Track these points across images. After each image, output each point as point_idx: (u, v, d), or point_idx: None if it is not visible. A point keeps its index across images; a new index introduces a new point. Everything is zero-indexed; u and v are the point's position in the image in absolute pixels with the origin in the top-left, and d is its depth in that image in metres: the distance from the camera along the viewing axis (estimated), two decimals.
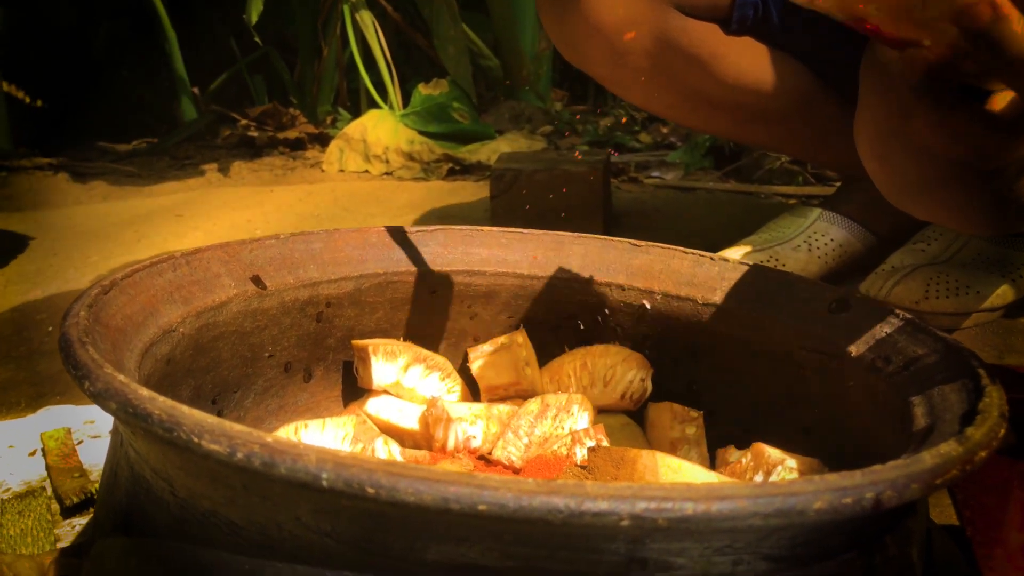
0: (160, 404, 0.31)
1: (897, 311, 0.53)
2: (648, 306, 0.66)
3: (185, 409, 0.30)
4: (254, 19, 1.59)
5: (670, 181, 1.80)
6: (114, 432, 0.42)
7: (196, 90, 2.19)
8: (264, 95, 2.43)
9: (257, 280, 0.58)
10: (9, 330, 1.06)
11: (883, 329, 0.53)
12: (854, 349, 0.53)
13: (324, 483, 0.27)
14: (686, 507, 0.27)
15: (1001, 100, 0.46)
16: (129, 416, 0.31)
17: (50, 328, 1.05)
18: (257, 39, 1.73)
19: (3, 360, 0.97)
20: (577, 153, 1.33)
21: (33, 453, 0.75)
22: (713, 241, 1.11)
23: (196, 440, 0.29)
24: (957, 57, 0.41)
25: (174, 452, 0.32)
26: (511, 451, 0.58)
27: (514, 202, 1.29)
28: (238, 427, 0.29)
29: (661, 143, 2.15)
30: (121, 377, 0.33)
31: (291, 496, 0.30)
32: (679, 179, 1.83)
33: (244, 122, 2.23)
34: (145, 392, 0.32)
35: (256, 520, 0.31)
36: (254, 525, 0.31)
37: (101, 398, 0.32)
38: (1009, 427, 0.39)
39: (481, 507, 0.27)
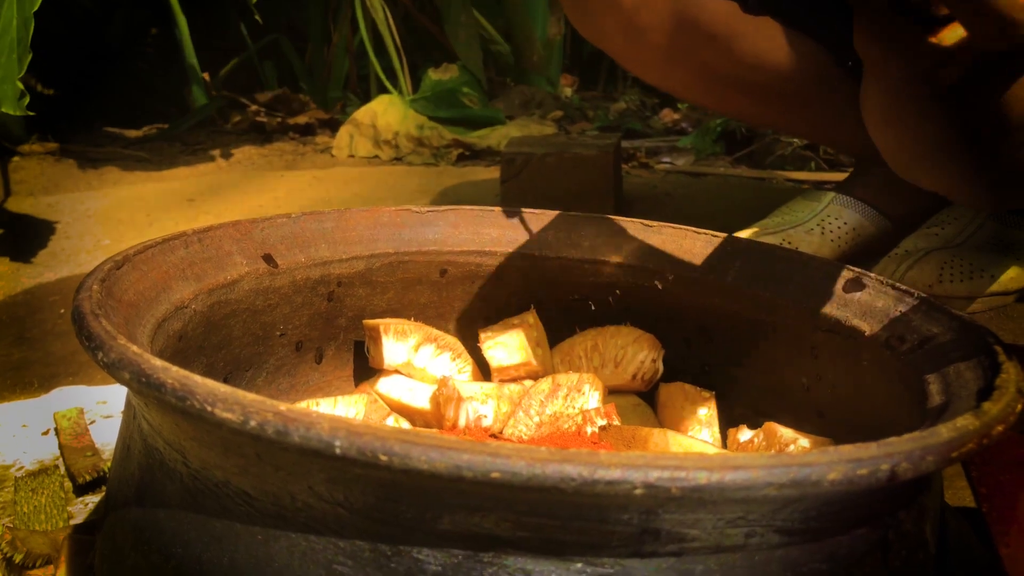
0: (173, 373, 0.31)
1: (911, 290, 0.53)
2: (660, 286, 0.66)
3: (198, 378, 0.30)
4: None
5: (681, 167, 1.80)
6: (127, 406, 0.42)
7: (207, 76, 2.19)
8: (274, 81, 2.43)
9: (269, 258, 0.58)
10: (23, 312, 1.06)
11: (897, 308, 0.52)
12: (868, 328, 0.53)
13: (337, 451, 0.27)
14: (699, 476, 0.27)
15: (951, 35, 0.45)
16: (142, 386, 0.31)
17: (62, 310, 1.06)
18: (258, 18, 1.72)
19: (17, 341, 0.97)
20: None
21: (46, 432, 0.75)
22: (725, 226, 1.10)
23: (209, 408, 0.29)
24: None
25: (187, 421, 0.32)
26: (522, 429, 0.58)
27: (525, 186, 1.28)
28: (251, 396, 0.29)
29: (672, 128, 2.14)
30: (134, 347, 0.33)
31: (304, 465, 0.30)
32: (690, 164, 1.82)
33: (254, 108, 2.23)
34: (158, 362, 0.32)
35: (269, 490, 0.31)
36: (267, 495, 0.31)
37: (114, 368, 0.32)
38: None
39: (494, 474, 0.27)
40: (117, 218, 1.39)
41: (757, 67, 0.89)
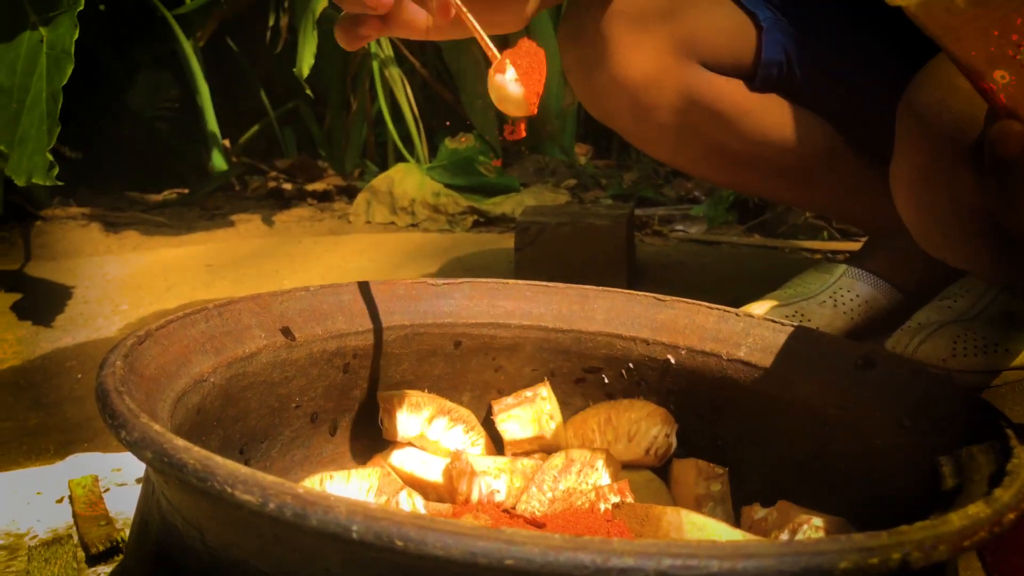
0: (195, 454, 0.31)
1: (923, 368, 0.53)
2: (673, 361, 0.66)
3: (219, 459, 0.31)
4: (305, 72, 1.63)
5: (694, 235, 1.81)
6: (145, 481, 0.43)
7: (227, 142, 2.23)
8: (293, 147, 2.47)
9: (287, 331, 0.59)
10: (39, 377, 1.08)
11: (909, 386, 0.53)
12: (880, 406, 0.53)
13: (354, 535, 0.28)
14: (712, 564, 0.27)
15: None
16: (164, 465, 0.32)
17: (79, 375, 1.07)
18: (308, 91, 1.76)
19: (33, 406, 0.98)
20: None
21: (60, 500, 0.75)
22: (737, 295, 1.11)
23: (230, 490, 0.29)
24: None
25: (207, 502, 0.32)
26: (535, 505, 0.58)
27: (538, 255, 1.30)
28: (271, 478, 0.30)
29: (685, 196, 2.16)
30: (156, 427, 0.34)
31: (321, 547, 0.30)
32: (703, 233, 1.83)
33: (273, 174, 2.27)
34: (180, 442, 0.32)
35: (286, 571, 0.31)
36: None
37: (137, 447, 0.33)
38: None
39: (508, 561, 0.27)
40: (136, 283, 1.41)
41: (764, 144, 0.90)
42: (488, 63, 0.55)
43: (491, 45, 0.54)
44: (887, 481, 0.52)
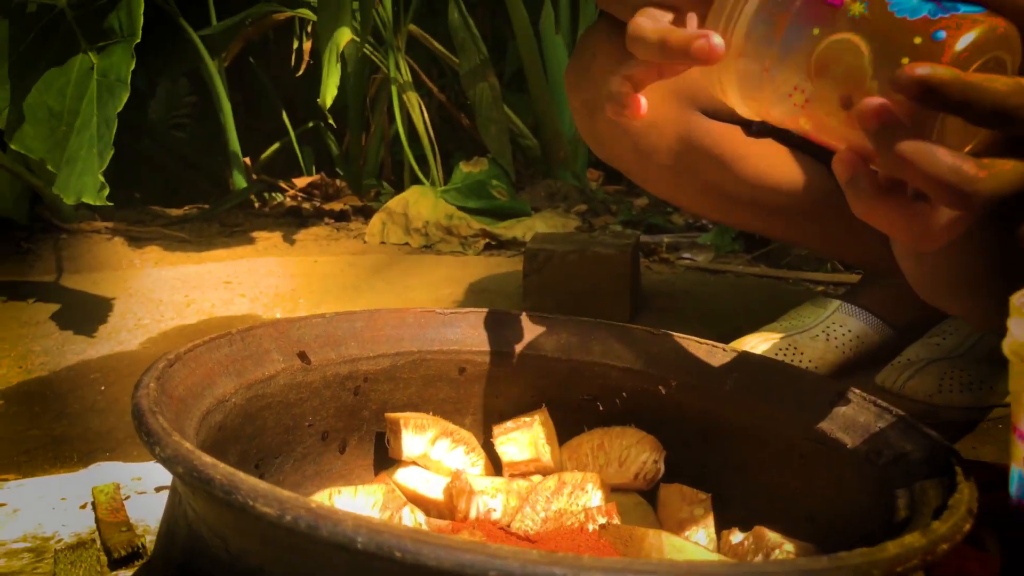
0: (221, 470, 0.36)
1: (891, 408, 0.57)
2: (663, 391, 0.71)
3: (242, 475, 0.35)
4: (329, 102, 1.69)
5: (700, 263, 1.85)
6: (172, 492, 0.47)
7: (247, 160, 2.29)
8: (312, 166, 2.53)
9: (303, 356, 0.64)
10: (65, 388, 1.13)
11: (877, 424, 0.57)
12: (850, 441, 0.57)
13: (359, 546, 0.32)
14: None
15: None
16: (193, 480, 0.36)
17: (103, 387, 1.12)
18: (330, 120, 1.82)
19: (58, 417, 1.03)
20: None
21: (84, 506, 0.80)
22: (737, 325, 1.15)
23: (251, 503, 0.34)
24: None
25: (231, 513, 0.37)
26: (528, 524, 0.62)
27: (546, 280, 1.34)
28: (287, 493, 0.34)
29: (693, 224, 2.20)
30: (187, 445, 0.38)
31: (330, 556, 0.34)
32: (709, 261, 1.87)
33: (292, 192, 2.33)
34: (208, 459, 0.37)
35: None
36: None
37: (170, 463, 0.37)
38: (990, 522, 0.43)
39: (492, 573, 0.31)
40: (157, 298, 1.47)
41: (761, 187, 0.95)
42: None
43: None
44: (854, 511, 0.56)
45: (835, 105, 0.47)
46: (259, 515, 0.34)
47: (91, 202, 1.05)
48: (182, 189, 2.48)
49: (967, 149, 0.47)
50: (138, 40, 1.03)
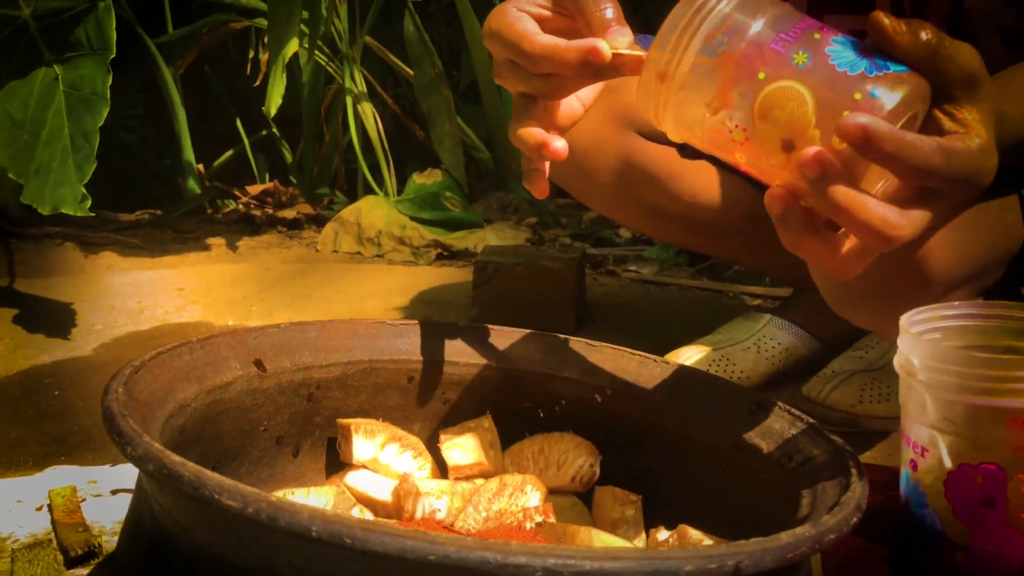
0: (189, 468, 0.40)
1: (802, 416, 0.63)
2: (599, 400, 0.76)
3: (208, 472, 0.39)
4: (273, 111, 1.72)
5: (645, 275, 1.91)
6: (137, 489, 0.51)
7: (201, 167, 2.30)
8: (265, 173, 2.55)
9: (259, 363, 0.67)
10: (17, 392, 1.14)
11: (790, 431, 0.62)
12: (766, 447, 0.63)
13: (313, 534, 0.36)
14: (584, 564, 0.36)
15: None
16: (164, 476, 0.40)
17: (56, 392, 1.14)
18: (275, 130, 1.85)
19: (12, 421, 1.05)
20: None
21: (40, 508, 0.82)
22: (676, 337, 1.21)
23: (217, 497, 0.38)
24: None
25: (197, 506, 0.41)
26: (470, 523, 0.67)
27: (494, 292, 1.39)
28: (250, 488, 0.38)
29: (639, 238, 2.26)
30: (157, 445, 0.42)
31: (287, 543, 0.38)
32: (654, 274, 1.93)
33: (244, 199, 2.34)
34: (176, 458, 0.41)
35: (258, 564, 0.40)
36: (256, 569, 0.40)
37: (141, 461, 0.41)
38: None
39: (431, 557, 0.36)
40: (110, 304, 1.48)
41: (694, 205, 1.02)
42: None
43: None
44: (768, 510, 0.61)
45: (775, 147, 0.51)
46: (224, 508, 0.38)
47: (71, 212, 1.08)
48: (133, 193, 2.48)
49: (876, 189, 0.52)
50: (113, 55, 1.06)
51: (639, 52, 0.57)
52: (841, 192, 0.48)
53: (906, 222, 0.49)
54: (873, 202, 0.48)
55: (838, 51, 0.50)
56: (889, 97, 0.49)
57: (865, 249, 0.51)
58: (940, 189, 0.49)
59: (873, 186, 0.52)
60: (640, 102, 0.56)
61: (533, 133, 0.60)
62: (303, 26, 1.85)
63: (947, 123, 0.51)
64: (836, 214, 0.49)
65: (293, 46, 1.72)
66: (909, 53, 0.49)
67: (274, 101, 1.70)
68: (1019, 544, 0.52)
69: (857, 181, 0.49)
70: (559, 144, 0.59)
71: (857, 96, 0.49)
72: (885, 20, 0.49)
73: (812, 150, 0.48)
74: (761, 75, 0.50)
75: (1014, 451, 0.52)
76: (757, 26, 0.51)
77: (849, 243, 0.52)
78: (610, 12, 0.58)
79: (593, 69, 0.57)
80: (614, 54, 0.57)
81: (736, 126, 0.52)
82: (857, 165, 0.49)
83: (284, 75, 1.69)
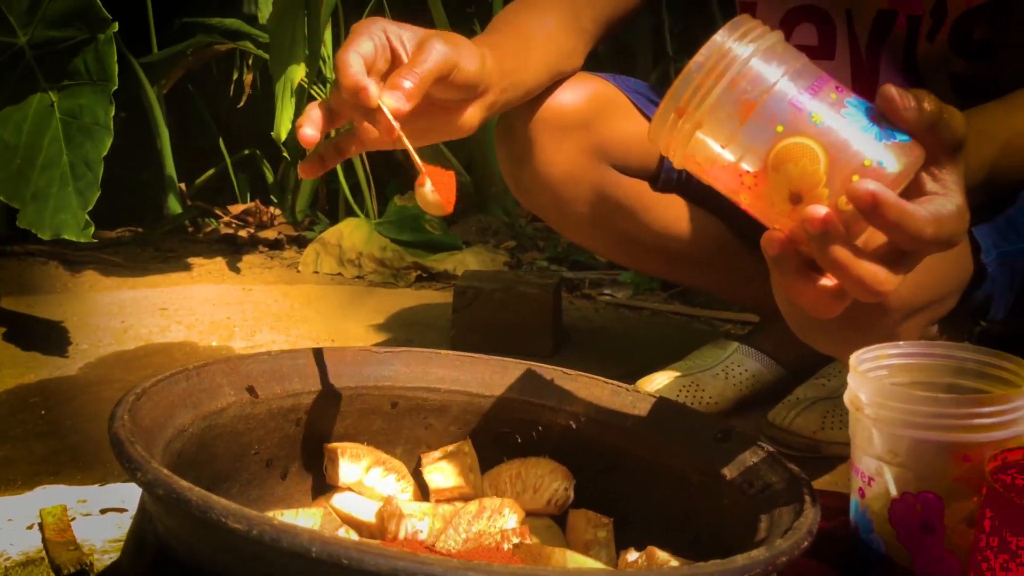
0: (196, 492, 0.43)
1: (763, 444, 0.67)
2: (574, 426, 0.80)
3: (215, 497, 0.43)
4: (283, 136, 1.75)
5: (620, 299, 1.96)
6: (140, 510, 0.54)
7: (183, 186, 2.33)
8: (248, 193, 2.57)
9: (251, 390, 0.71)
10: (4, 411, 1.16)
11: (751, 458, 0.67)
12: (729, 473, 0.67)
13: (313, 554, 0.40)
14: None
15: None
16: (172, 501, 0.43)
17: (43, 411, 1.16)
18: (286, 154, 1.88)
19: (1, 440, 1.07)
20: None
21: (31, 527, 0.84)
22: (649, 360, 1.25)
23: (224, 520, 0.41)
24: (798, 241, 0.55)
25: (203, 528, 0.44)
26: (451, 544, 0.70)
27: (474, 316, 1.43)
28: (253, 512, 0.42)
29: (615, 263, 2.31)
30: (165, 471, 0.45)
31: (288, 563, 0.42)
32: (628, 298, 1.98)
33: (226, 219, 2.37)
34: (185, 483, 0.44)
35: None
36: None
37: (151, 486, 0.45)
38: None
39: None
40: (94, 324, 1.50)
41: (665, 235, 1.07)
42: (416, 174, 0.72)
43: (419, 162, 0.70)
44: (730, 533, 0.65)
45: (782, 196, 0.54)
46: (230, 530, 0.41)
47: (74, 239, 1.11)
48: (113, 209, 2.49)
49: (859, 240, 0.56)
50: (115, 87, 1.09)
51: (395, 123, 0.67)
52: (839, 250, 0.53)
53: (892, 278, 0.54)
54: (865, 262, 0.53)
55: (853, 115, 0.53)
56: (894, 165, 0.53)
57: (846, 293, 0.56)
58: (922, 251, 0.54)
59: (861, 239, 0.56)
60: (653, 130, 0.58)
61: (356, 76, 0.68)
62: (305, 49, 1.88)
63: (929, 184, 0.56)
64: (832, 268, 0.54)
65: (300, 72, 1.75)
66: (914, 126, 0.54)
67: (284, 126, 1.73)
68: (957, 568, 0.57)
69: (854, 238, 0.54)
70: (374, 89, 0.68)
71: (867, 163, 0.52)
72: (895, 94, 0.53)
73: (820, 211, 0.52)
74: (779, 128, 0.53)
75: (953, 481, 0.56)
76: (780, 78, 0.54)
77: (832, 286, 0.56)
78: (408, 84, 0.68)
79: (361, 106, 0.68)
80: (379, 107, 0.67)
81: (747, 171, 0.55)
82: (857, 225, 0.53)
83: (293, 100, 1.73)
